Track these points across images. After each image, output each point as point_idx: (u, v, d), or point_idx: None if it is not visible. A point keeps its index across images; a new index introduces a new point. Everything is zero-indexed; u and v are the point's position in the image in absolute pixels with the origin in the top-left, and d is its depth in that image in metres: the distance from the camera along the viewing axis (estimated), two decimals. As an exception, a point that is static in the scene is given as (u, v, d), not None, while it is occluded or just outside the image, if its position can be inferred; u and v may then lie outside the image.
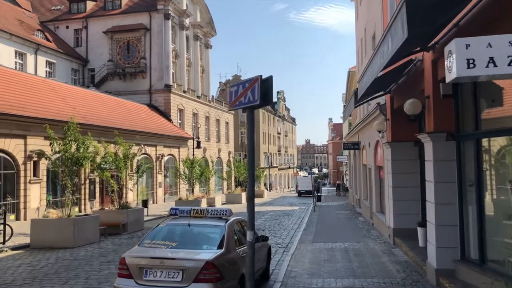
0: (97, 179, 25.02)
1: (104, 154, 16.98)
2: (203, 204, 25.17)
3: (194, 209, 7.02)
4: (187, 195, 26.12)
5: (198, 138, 34.44)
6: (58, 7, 43.97)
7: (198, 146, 32.93)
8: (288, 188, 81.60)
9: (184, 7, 43.67)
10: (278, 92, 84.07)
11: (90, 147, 14.14)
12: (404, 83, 10.10)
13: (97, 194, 26.67)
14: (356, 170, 26.47)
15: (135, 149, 19.43)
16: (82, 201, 24.67)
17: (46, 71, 36.16)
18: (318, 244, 12.82)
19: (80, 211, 23.61)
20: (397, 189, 12.13)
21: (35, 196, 21.27)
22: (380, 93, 12.11)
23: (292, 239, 14.44)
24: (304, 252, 11.49)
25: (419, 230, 10.75)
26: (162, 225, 7.01)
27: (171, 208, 7.21)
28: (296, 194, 51.35)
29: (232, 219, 7.08)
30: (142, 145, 31.12)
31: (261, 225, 18.97)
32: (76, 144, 13.74)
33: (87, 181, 24.15)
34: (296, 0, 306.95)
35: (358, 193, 25.63)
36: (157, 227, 7.03)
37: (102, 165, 16.63)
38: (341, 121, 77.96)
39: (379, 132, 12.85)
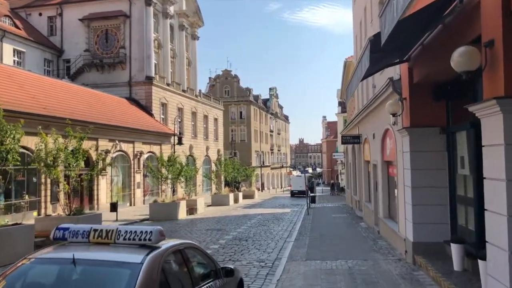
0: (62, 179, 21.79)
1: (55, 150, 13.75)
2: (182, 208, 22.06)
3: (95, 230, 3.96)
4: (163, 197, 22.96)
5: (180, 133, 31.25)
6: (32, -7, 40.58)
7: (180, 143, 29.80)
8: (281, 188, 78.59)
9: (168, -6, 40.49)
10: (270, 89, 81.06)
11: (17, 138, 10.94)
12: (436, 39, 7.09)
13: (62, 196, 23.38)
14: (356, 168, 23.50)
15: (90, 144, 16.14)
16: (43, 204, 21.48)
17: (14, 60, 32.85)
18: (313, 264, 9.78)
19: (39, 215, 20.38)
20: (418, 190, 9.15)
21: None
22: (395, 62, 9.11)
23: (280, 254, 11.41)
24: (295, 278, 8.46)
25: (454, 248, 7.78)
26: (27, 262, 3.87)
27: (57, 228, 4.11)
28: (289, 195, 48.35)
29: (163, 247, 3.99)
30: (117, 141, 27.97)
31: (244, 232, 15.93)
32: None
33: (48, 181, 21.00)
34: (290, 0, 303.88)
35: (358, 194, 22.65)
36: (14, 270, 3.80)
37: (49, 162, 13.42)
38: (335, 119, 75.13)
39: (393, 115, 9.83)
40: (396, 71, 10.27)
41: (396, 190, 11.53)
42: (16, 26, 34.34)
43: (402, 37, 6.79)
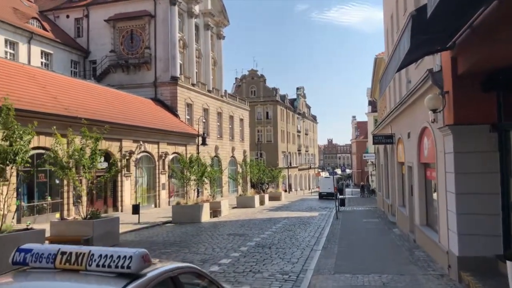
0: (84, 180, 21.42)
1: (71, 150, 13.20)
2: (205, 211, 21.34)
3: (63, 253, 3.12)
4: (188, 198, 22.27)
5: (204, 134, 30.59)
6: (60, -4, 41.03)
7: (204, 143, 29.15)
8: (309, 189, 77.13)
9: (193, -7, 40.04)
10: (297, 89, 79.71)
11: (27, 138, 10.35)
12: (489, 18, 5.94)
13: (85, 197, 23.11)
14: (388, 170, 22.15)
15: (112, 145, 15.56)
16: (65, 206, 21.20)
17: (42, 62, 33.12)
18: (343, 278, 8.73)
19: (61, 218, 20.09)
20: (464, 197, 7.97)
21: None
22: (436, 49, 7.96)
23: (305, 265, 10.40)
24: (321, 296, 7.45)
25: (510, 265, 6.58)
26: None
27: (18, 249, 3.28)
28: (317, 197, 47.02)
29: (147, 276, 3.08)
30: (141, 142, 27.61)
31: (268, 238, 14.98)
32: (4, 133, 10.07)
33: (71, 182, 20.72)
34: (318, 0, 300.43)
35: (390, 198, 21.30)
36: None
37: (64, 163, 12.86)
38: (365, 118, 73.11)
39: (433, 111, 8.65)
40: (436, 61, 9.09)
41: (435, 196, 10.32)
42: (44, 28, 34.64)
43: (447, 18, 5.70)
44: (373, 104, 55.92)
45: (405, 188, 15.63)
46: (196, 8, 41.13)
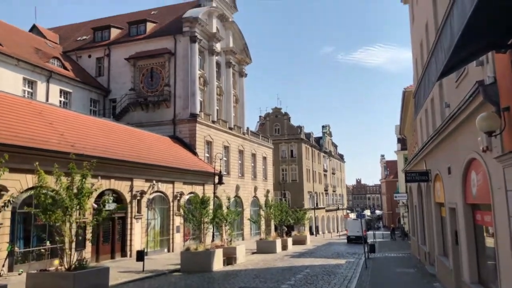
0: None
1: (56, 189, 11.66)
2: (217, 258, 19.18)
3: None
4: (199, 243, 20.22)
5: (221, 172, 28.83)
6: (84, 37, 41.58)
7: (220, 182, 27.30)
8: (337, 232, 73.30)
9: (214, 30, 39.69)
10: (323, 127, 77.82)
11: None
12: None
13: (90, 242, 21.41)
14: (423, 212, 19.58)
15: (93, 181, 13.92)
16: (66, 251, 19.45)
17: (60, 100, 32.80)
18: None
19: (61, 265, 18.38)
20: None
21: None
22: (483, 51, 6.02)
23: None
24: None
25: None
26: None
27: None
28: (346, 240, 43.85)
29: None
30: (154, 181, 26.05)
31: (284, 294, 12.69)
32: None
33: (73, 225, 19.10)
34: (343, 42, 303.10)
35: (427, 244, 18.60)
36: None
37: (48, 205, 11.24)
38: (394, 157, 70.00)
39: (489, 134, 6.55)
40: (486, 72, 7.10)
41: (494, 246, 8.00)
42: (65, 68, 34.61)
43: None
44: (402, 142, 53.32)
45: (447, 234, 13.17)
46: (218, 46, 40.66)
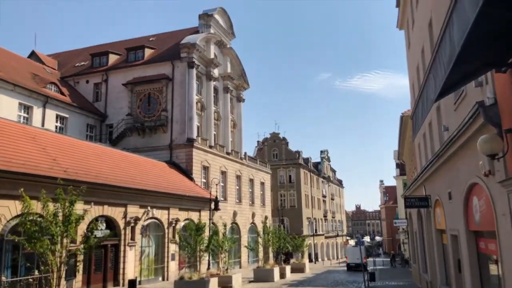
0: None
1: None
2: (212, 287, 18.52)
3: None
4: (193, 271, 19.61)
5: (216, 198, 28.33)
6: (82, 63, 41.79)
7: (216, 208, 26.79)
8: (337, 259, 71.95)
9: (212, 56, 39.94)
10: (321, 152, 77.56)
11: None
12: None
13: (81, 270, 20.70)
14: (424, 238, 19.06)
15: (85, 207, 13.48)
16: (55, 281, 18.77)
17: (56, 126, 32.59)
18: None
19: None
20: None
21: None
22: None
23: None
24: None
25: None
26: None
27: None
28: (346, 268, 42.88)
29: None
30: (149, 207, 25.52)
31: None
32: None
33: (63, 253, 18.43)
34: (340, 68, 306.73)
35: (429, 273, 18.00)
36: None
37: (34, 233, 10.79)
38: (393, 182, 69.52)
39: (492, 157, 6.24)
40: (486, 93, 6.86)
41: (499, 275, 7.57)
42: (62, 93, 34.55)
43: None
44: (401, 167, 53.03)
45: (449, 263, 12.68)
46: (215, 72, 40.85)
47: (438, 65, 4.57)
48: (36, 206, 10.97)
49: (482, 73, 5.97)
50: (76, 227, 12.01)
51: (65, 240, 11.41)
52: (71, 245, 12.79)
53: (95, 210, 20.83)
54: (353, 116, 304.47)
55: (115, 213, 22.81)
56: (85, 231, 15.31)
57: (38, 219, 10.99)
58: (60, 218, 11.32)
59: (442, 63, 4.38)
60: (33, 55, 42.03)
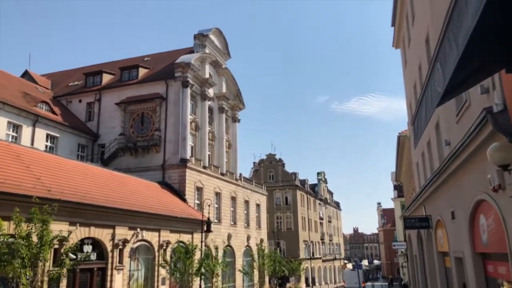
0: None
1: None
2: (201, 313, 17.45)
3: None
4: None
5: (209, 219, 27.36)
6: (76, 83, 41.36)
7: (208, 230, 25.82)
8: (334, 283, 70.19)
9: (207, 76, 39.60)
10: (318, 173, 76.77)
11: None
12: None
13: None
14: (424, 261, 18.19)
15: (70, 229, 12.62)
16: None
17: (46, 145, 31.82)
18: None
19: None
20: None
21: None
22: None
23: None
24: None
25: None
26: None
27: None
28: (343, 293, 41.59)
29: None
30: (138, 229, 24.53)
31: None
32: None
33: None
34: (337, 91, 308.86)
35: (431, 298, 17.06)
36: None
37: (3, 255, 9.95)
38: (391, 205, 68.66)
39: (505, 168, 5.57)
40: (494, 99, 6.24)
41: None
42: (53, 112, 33.93)
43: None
44: (399, 189, 52.37)
45: (453, 287, 11.83)
46: (210, 91, 40.44)
47: (448, 46, 3.94)
48: (8, 227, 10.14)
49: (489, 74, 5.34)
50: (50, 249, 11.13)
51: (40, 263, 10.52)
52: (51, 269, 11.94)
53: (81, 232, 19.93)
54: (350, 138, 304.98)
55: (103, 234, 21.84)
56: (62, 252, 14.45)
57: (10, 239, 10.14)
58: (35, 239, 10.49)
59: (453, 43, 3.75)
60: (26, 74, 41.62)
